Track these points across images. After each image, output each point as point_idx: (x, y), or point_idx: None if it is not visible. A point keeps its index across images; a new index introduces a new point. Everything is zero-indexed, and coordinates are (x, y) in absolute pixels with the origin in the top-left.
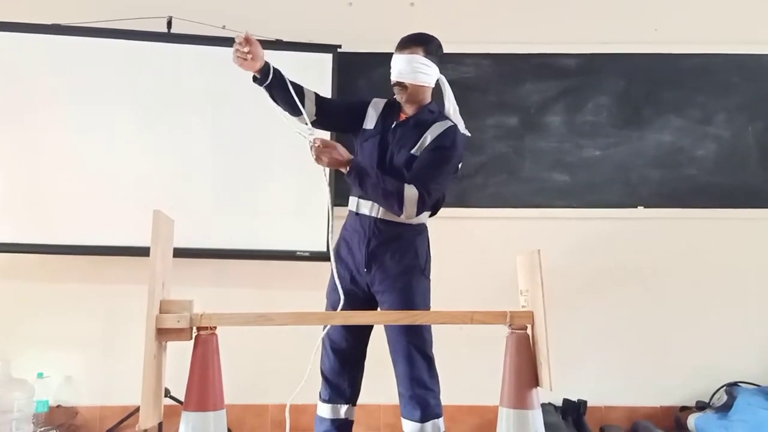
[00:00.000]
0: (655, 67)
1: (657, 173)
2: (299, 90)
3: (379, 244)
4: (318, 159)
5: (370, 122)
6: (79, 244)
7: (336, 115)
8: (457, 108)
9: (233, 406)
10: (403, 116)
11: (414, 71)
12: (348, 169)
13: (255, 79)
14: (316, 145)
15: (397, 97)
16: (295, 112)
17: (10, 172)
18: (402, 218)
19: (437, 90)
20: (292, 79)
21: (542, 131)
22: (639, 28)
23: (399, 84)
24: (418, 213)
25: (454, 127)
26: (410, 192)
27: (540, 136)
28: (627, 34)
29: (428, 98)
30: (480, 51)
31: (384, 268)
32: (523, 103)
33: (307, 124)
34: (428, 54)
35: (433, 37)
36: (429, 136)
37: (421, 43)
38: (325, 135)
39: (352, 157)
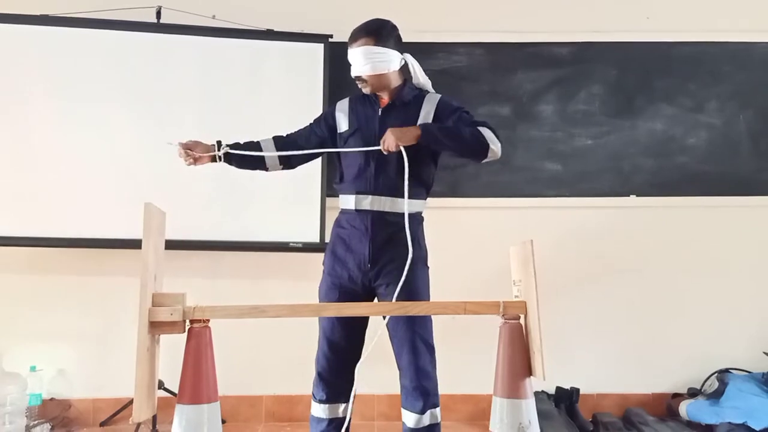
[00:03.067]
0: (647, 55)
1: (649, 162)
2: (258, 153)
3: (382, 238)
4: (392, 148)
5: (343, 124)
6: (70, 237)
7: (302, 148)
8: (429, 81)
9: (227, 397)
10: (384, 101)
11: (368, 62)
12: (420, 132)
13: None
14: (384, 147)
15: (363, 90)
16: (261, 169)
17: (0, 165)
18: (491, 156)
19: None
20: (245, 140)
21: (534, 120)
22: (631, 16)
23: (358, 78)
24: (501, 141)
25: (444, 96)
26: (486, 131)
27: (532, 126)
28: (619, 23)
29: (398, 80)
30: (472, 40)
31: (388, 260)
32: (516, 93)
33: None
34: (380, 41)
35: (383, 22)
36: (430, 109)
37: (369, 33)
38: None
39: (418, 127)
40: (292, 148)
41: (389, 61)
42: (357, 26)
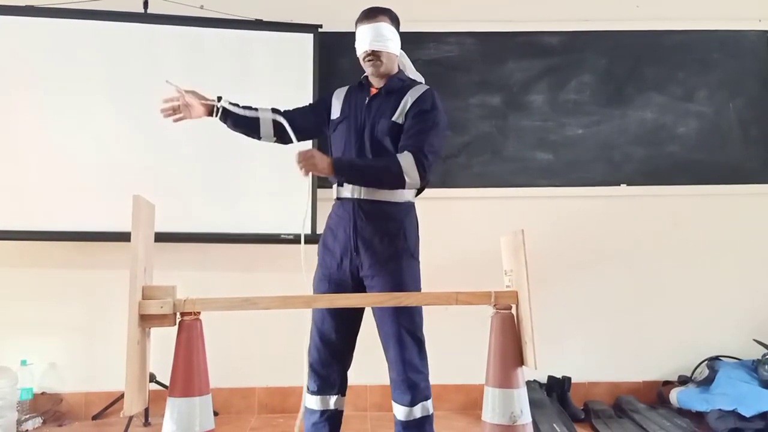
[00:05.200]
0: (637, 44)
1: (639, 151)
2: (254, 116)
3: (366, 225)
4: (304, 171)
5: (335, 111)
6: (60, 230)
7: (299, 126)
8: (422, 77)
9: (220, 389)
10: (373, 90)
11: (385, 39)
12: (332, 168)
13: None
14: (298, 161)
15: (371, 69)
16: (255, 136)
17: None
18: (409, 187)
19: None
20: (244, 104)
21: (525, 110)
22: (621, 4)
23: (373, 54)
24: (423, 177)
25: (432, 90)
26: (405, 158)
27: (523, 115)
28: (609, 11)
29: (396, 68)
30: (463, 29)
31: (373, 251)
32: (507, 82)
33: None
34: (392, 23)
35: (391, 10)
36: (409, 100)
37: (385, 12)
38: (307, 144)
39: (331, 158)
40: (290, 120)
41: (398, 44)
42: (368, 7)
